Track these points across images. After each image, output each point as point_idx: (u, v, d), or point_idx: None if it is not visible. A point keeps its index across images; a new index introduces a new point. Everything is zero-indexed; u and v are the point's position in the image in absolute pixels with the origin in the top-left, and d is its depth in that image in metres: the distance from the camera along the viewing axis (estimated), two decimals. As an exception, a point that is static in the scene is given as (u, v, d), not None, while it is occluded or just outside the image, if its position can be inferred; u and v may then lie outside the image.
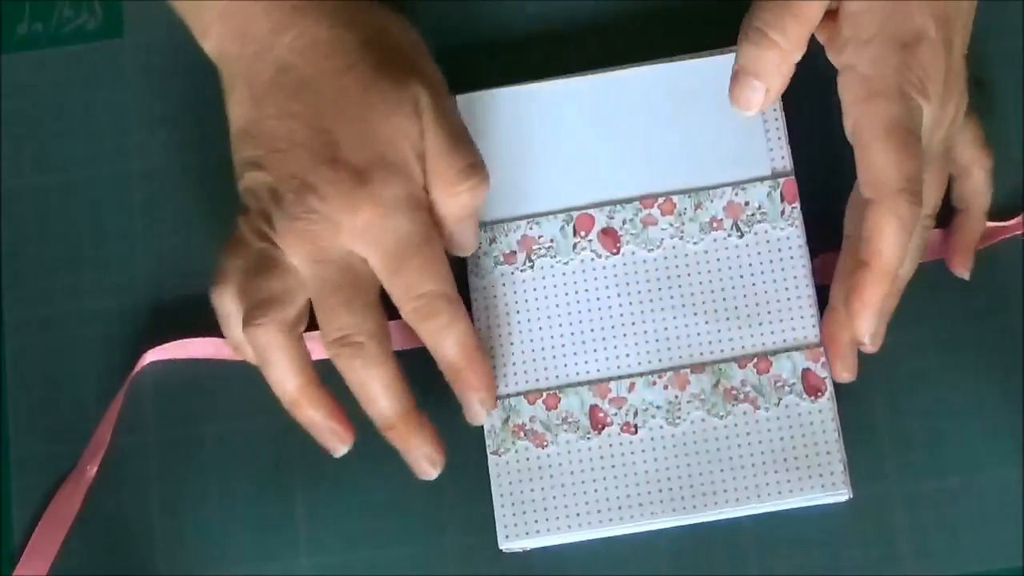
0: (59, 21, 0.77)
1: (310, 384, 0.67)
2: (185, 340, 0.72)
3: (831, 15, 0.63)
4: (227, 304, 0.68)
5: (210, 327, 0.72)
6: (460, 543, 0.70)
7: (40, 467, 0.72)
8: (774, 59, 0.63)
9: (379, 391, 0.66)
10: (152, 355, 0.72)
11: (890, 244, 0.62)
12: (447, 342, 0.67)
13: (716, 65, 0.70)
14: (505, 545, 0.68)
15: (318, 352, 0.68)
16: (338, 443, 0.68)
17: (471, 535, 0.69)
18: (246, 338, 0.67)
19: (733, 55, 0.65)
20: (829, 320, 0.67)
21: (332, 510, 0.70)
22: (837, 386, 0.68)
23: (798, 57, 0.64)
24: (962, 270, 0.69)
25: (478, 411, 0.68)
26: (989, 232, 0.70)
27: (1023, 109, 0.71)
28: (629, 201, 0.70)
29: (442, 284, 0.66)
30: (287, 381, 0.67)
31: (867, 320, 0.63)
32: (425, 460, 0.67)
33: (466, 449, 0.70)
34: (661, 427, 0.67)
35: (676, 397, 0.68)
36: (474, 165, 0.67)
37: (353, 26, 0.67)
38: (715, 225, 0.69)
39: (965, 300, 0.70)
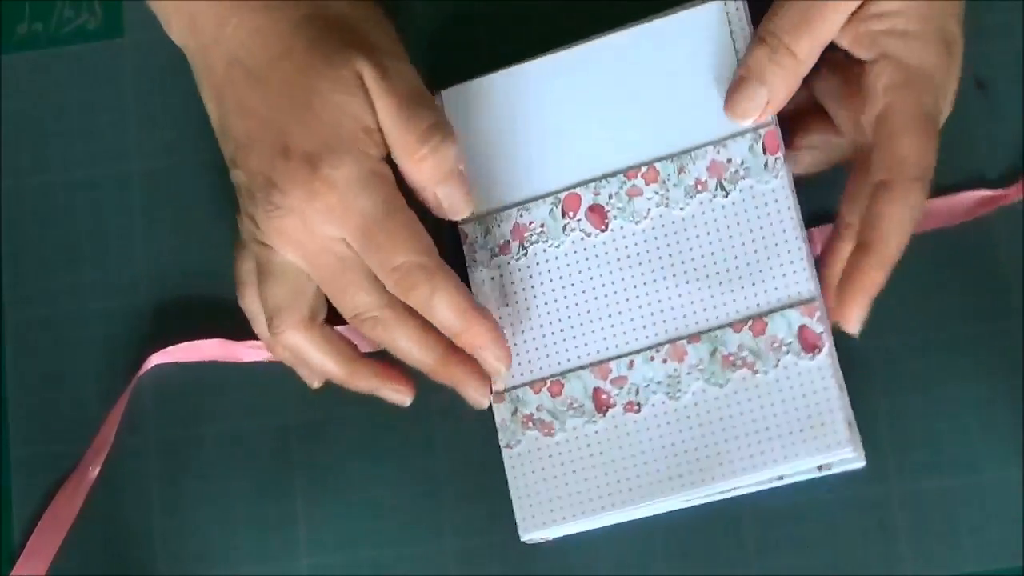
0: (59, 21, 0.77)
1: (351, 363, 0.68)
2: (190, 343, 0.72)
3: (851, 16, 0.64)
4: (251, 306, 0.69)
5: (210, 326, 0.72)
6: (460, 544, 0.70)
7: (40, 467, 0.72)
8: (786, 68, 0.64)
9: (409, 347, 0.67)
10: (157, 358, 0.72)
11: (897, 230, 0.62)
12: (437, 310, 0.66)
13: (682, 22, 0.68)
14: (526, 537, 0.67)
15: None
16: (402, 397, 0.69)
17: (471, 536, 0.69)
18: (276, 349, 0.69)
19: (706, 6, 0.66)
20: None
21: (332, 510, 0.70)
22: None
23: (807, 70, 0.64)
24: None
25: (492, 365, 0.68)
26: (987, 200, 0.70)
27: (1023, 109, 0.71)
28: (613, 175, 0.69)
29: (413, 253, 0.65)
30: (329, 369, 0.68)
31: (859, 306, 0.63)
32: (474, 392, 0.68)
33: (466, 450, 0.70)
34: (663, 402, 0.66)
35: (675, 370, 0.67)
36: (433, 127, 0.66)
37: (286, 8, 0.66)
38: (699, 187, 0.67)
39: (965, 300, 0.70)
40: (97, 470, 0.71)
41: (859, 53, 0.64)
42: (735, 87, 0.64)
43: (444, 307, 0.66)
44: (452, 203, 0.68)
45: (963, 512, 0.68)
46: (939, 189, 0.69)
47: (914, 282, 0.69)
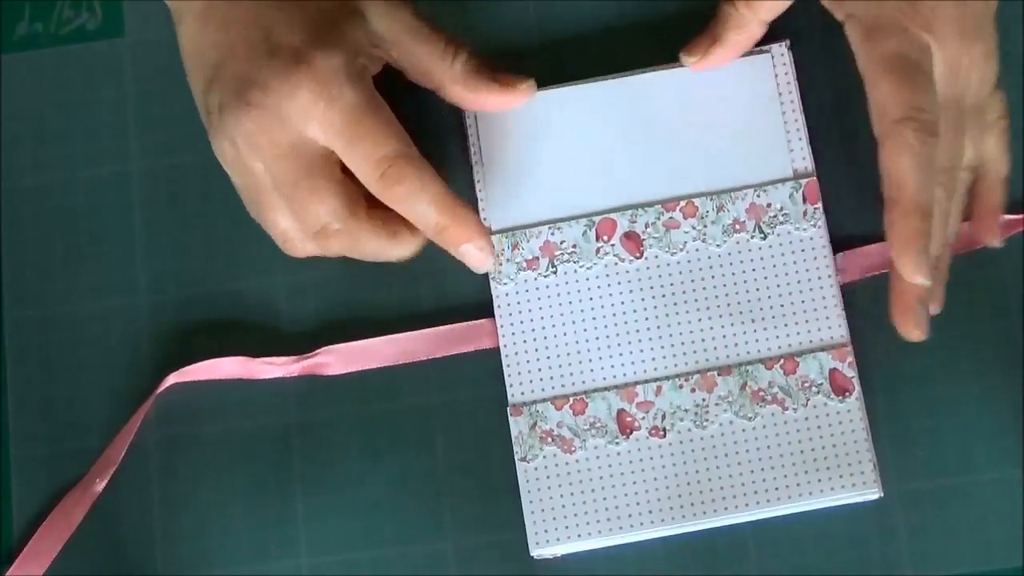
0: (59, 21, 0.77)
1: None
2: (208, 362, 0.71)
3: None
4: (280, 226, 0.67)
5: (208, 325, 0.72)
6: (460, 543, 0.70)
7: (40, 467, 0.72)
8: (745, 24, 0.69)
9: (381, 249, 0.66)
10: (174, 377, 0.72)
11: (908, 172, 0.62)
12: (422, 206, 0.65)
13: (736, 67, 0.71)
14: (536, 552, 0.68)
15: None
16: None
17: (471, 535, 0.69)
18: (374, 241, 0.66)
19: (753, 57, 0.69)
20: (892, 283, 0.66)
21: (332, 510, 0.70)
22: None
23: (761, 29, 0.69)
24: (990, 237, 0.68)
25: (479, 257, 0.66)
26: (1008, 224, 0.70)
27: (1023, 109, 0.71)
28: (651, 205, 0.70)
29: (400, 143, 0.64)
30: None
31: (911, 258, 0.63)
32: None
33: (466, 450, 0.70)
34: (689, 430, 0.68)
35: (704, 400, 0.68)
36: (449, 39, 0.68)
37: None
38: (737, 227, 0.69)
39: (965, 300, 0.70)
40: (104, 484, 0.71)
41: (835, 14, 0.66)
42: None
43: (429, 202, 0.64)
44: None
45: (963, 512, 0.68)
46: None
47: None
